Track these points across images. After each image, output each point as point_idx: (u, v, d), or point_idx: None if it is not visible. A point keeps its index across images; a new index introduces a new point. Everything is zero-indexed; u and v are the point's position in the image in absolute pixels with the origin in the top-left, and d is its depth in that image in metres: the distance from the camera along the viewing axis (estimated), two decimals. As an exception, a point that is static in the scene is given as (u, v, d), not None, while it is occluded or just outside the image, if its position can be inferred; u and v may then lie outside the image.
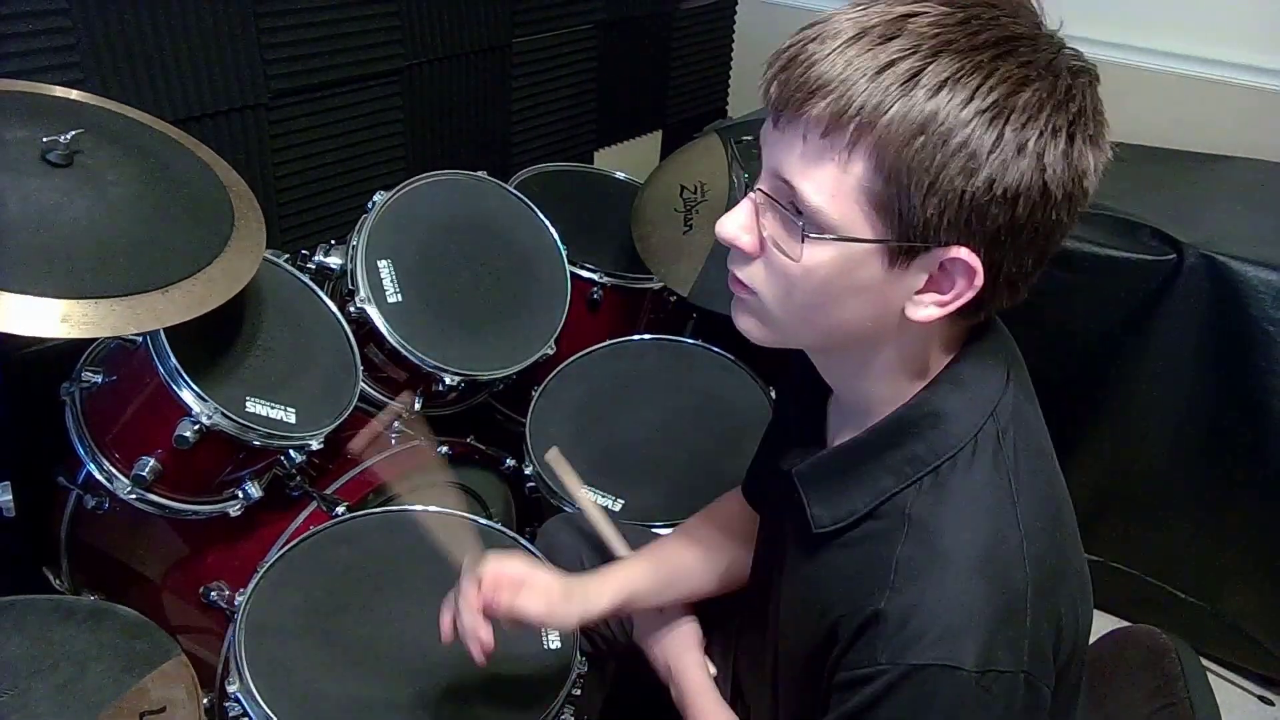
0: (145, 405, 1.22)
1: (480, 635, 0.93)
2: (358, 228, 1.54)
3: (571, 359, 1.71)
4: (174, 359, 1.17)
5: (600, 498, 1.48)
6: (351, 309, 1.47)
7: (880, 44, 0.62)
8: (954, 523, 0.70)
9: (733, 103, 2.86)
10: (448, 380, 1.52)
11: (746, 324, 0.75)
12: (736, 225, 0.71)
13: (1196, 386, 1.65)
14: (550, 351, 1.64)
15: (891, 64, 0.62)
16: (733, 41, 2.78)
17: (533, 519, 1.67)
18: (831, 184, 0.64)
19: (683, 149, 1.94)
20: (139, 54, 1.46)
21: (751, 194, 0.70)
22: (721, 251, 1.68)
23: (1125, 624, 1.06)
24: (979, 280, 0.66)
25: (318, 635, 1.11)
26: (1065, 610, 0.72)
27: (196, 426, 1.18)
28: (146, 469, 1.22)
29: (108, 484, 1.24)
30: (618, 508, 1.47)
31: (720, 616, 1.12)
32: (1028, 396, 0.78)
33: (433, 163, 1.87)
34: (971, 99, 0.61)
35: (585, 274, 1.79)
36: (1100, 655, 1.01)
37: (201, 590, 1.30)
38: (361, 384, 1.42)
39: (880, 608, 0.69)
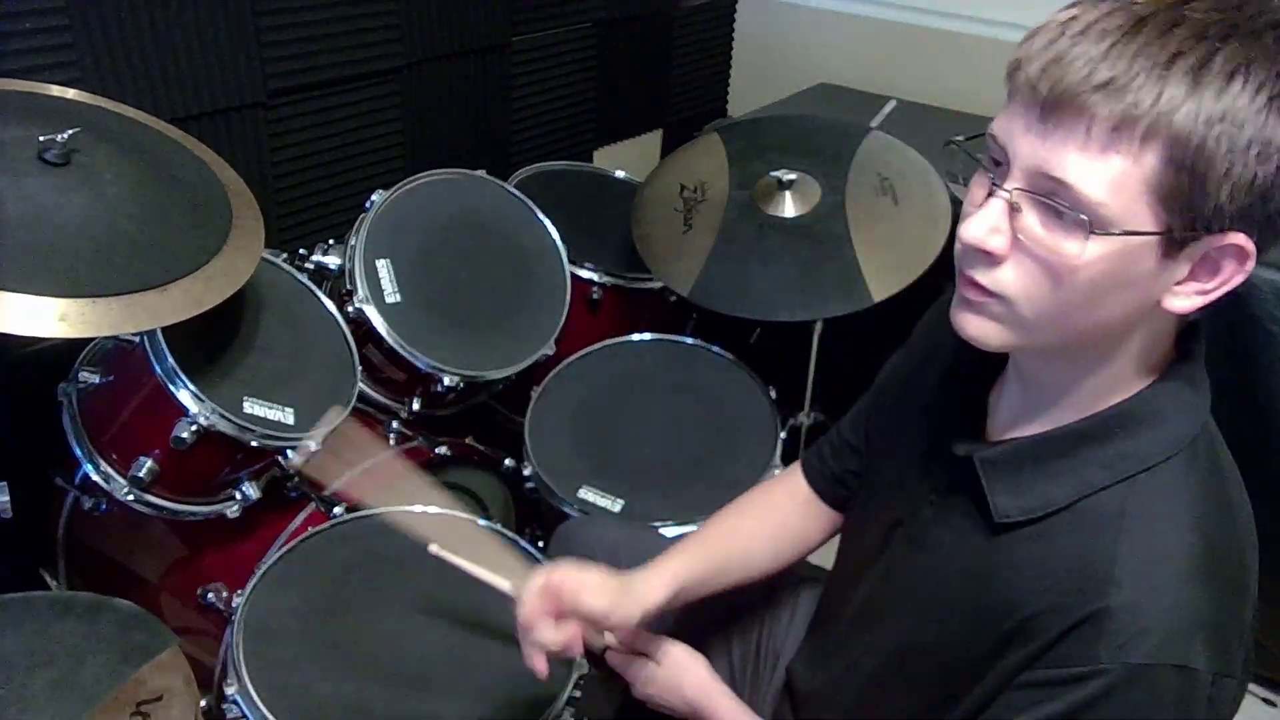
0: (142, 406, 1.22)
1: (568, 646, 0.91)
2: (356, 227, 1.53)
3: (571, 359, 1.70)
4: (171, 359, 1.17)
5: (600, 498, 1.48)
6: (350, 309, 1.47)
7: (1163, 34, 0.60)
8: (1179, 523, 0.69)
9: (732, 102, 2.86)
10: (446, 381, 1.51)
11: (983, 329, 0.71)
12: (986, 228, 0.67)
13: (1199, 386, 1.65)
14: (550, 351, 1.63)
15: (1179, 55, 0.60)
16: (733, 41, 2.78)
17: (532, 519, 1.66)
18: (1118, 178, 0.62)
19: (683, 148, 1.93)
20: (136, 53, 1.46)
21: (1002, 193, 0.66)
22: (722, 251, 1.69)
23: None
24: (1251, 264, 0.65)
25: (316, 637, 1.11)
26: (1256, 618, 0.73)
27: (194, 427, 1.18)
28: (144, 470, 1.21)
29: (105, 485, 1.24)
30: (618, 508, 1.47)
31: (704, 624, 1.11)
32: None
33: (432, 162, 1.86)
34: (1262, 87, 0.60)
35: (585, 274, 1.78)
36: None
37: (199, 592, 1.30)
38: (360, 384, 1.41)
39: (1105, 605, 0.67)
